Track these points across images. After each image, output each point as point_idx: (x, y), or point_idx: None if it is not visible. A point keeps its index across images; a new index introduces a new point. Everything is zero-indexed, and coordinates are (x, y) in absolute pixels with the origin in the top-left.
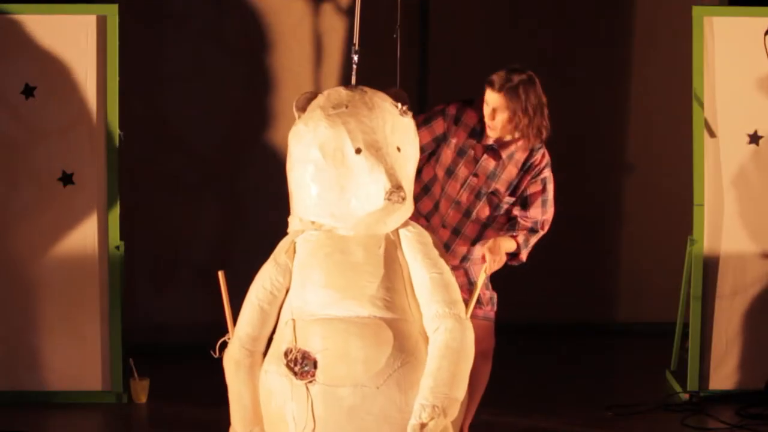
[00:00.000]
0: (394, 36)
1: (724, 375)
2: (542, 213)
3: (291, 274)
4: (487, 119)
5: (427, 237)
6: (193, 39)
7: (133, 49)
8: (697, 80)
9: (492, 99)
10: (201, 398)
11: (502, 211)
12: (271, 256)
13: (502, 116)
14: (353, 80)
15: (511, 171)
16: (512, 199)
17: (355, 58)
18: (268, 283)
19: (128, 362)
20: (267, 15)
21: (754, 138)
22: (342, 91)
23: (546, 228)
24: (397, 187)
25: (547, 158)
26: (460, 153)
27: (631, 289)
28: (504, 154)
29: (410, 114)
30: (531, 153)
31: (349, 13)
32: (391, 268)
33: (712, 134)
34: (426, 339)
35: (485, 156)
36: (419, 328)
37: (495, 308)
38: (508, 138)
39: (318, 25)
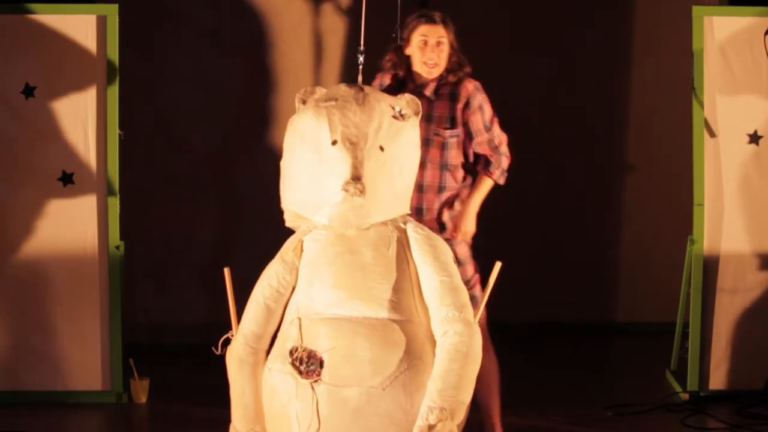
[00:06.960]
0: (394, 36)
1: (724, 375)
2: (488, 132)
3: (297, 273)
4: (427, 57)
5: (437, 240)
6: (193, 39)
7: (133, 50)
8: (697, 80)
9: (433, 32)
10: (201, 398)
11: (451, 149)
12: (278, 254)
13: (445, 49)
14: (359, 80)
15: (442, 106)
16: (455, 131)
17: (361, 59)
18: (274, 281)
19: (128, 362)
20: (267, 15)
21: (754, 138)
22: (342, 87)
23: (504, 143)
24: (354, 179)
25: (474, 84)
26: None
27: (631, 289)
28: (428, 93)
29: (409, 119)
30: (458, 83)
31: (350, 13)
32: (399, 270)
33: (712, 134)
34: (432, 341)
35: None
36: (425, 331)
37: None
38: (432, 76)
39: (318, 25)
